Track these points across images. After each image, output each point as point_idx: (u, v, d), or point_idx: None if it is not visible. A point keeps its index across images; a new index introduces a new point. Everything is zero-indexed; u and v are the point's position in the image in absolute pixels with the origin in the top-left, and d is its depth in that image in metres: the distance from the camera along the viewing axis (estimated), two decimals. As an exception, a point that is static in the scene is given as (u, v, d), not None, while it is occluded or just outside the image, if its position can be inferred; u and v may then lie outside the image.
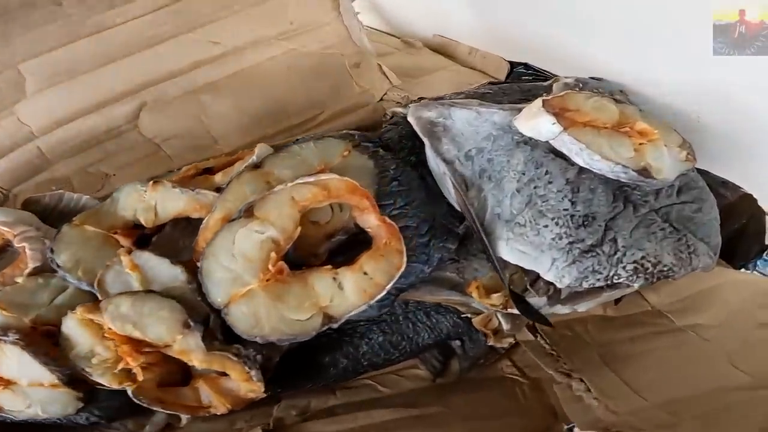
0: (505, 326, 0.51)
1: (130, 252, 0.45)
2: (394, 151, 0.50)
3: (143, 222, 0.48)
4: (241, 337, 0.42)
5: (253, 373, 0.43)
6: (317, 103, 0.67)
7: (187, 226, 0.49)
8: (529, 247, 0.45)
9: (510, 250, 0.45)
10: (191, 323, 0.42)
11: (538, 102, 0.46)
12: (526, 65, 0.74)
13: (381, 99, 0.67)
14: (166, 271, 0.44)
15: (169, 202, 0.48)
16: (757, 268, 0.63)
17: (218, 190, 0.47)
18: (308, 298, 0.41)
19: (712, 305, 0.54)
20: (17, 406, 0.45)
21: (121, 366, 0.43)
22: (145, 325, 0.42)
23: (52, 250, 0.46)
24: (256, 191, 0.44)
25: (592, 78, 0.59)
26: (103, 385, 0.44)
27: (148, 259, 0.44)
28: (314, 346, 0.49)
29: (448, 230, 0.48)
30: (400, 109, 0.56)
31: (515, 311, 0.48)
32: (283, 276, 0.41)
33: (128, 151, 0.63)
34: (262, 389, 0.44)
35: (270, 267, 0.41)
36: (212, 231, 0.43)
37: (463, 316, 0.52)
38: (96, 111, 0.62)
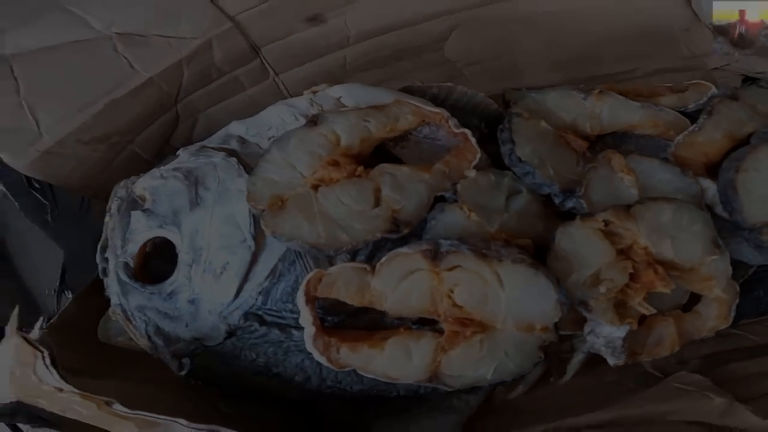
0: None
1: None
2: None
3: (587, 129, 0.44)
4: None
5: (734, 306, 0.40)
6: (636, 57, 0.63)
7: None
8: None
9: None
10: (720, 243, 0.38)
11: None
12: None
13: (716, 68, 0.63)
14: (666, 180, 0.40)
15: (621, 112, 0.44)
16: None
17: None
18: None
19: None
20: (473, 368, 0.35)
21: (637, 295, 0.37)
22: (682, 241, 0.37)
23: (513, 141, 0.41)
24: (749, 119, 0.42)
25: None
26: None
27: (648, 165, 0.41)
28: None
29: None
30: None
31: None
32: None
33: (424, 72, 0.59)
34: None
35: None
36: (707, 147, 0.40)
37: None
38: (412, 26, 0.58)
